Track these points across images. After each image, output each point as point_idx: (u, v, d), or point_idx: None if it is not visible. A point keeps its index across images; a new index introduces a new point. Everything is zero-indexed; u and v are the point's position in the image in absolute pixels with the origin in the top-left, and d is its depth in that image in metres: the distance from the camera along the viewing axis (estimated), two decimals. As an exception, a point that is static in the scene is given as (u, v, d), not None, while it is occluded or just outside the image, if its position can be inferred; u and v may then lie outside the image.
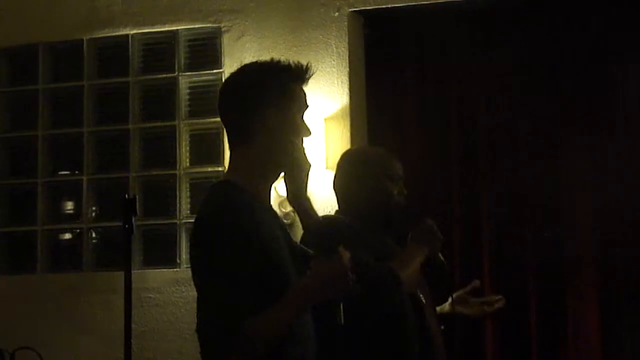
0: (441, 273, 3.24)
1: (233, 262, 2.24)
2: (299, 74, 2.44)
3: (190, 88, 5.35)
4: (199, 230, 2.33)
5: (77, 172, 5.50)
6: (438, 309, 3.34)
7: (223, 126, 2.49)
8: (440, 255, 3.19)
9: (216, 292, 2.24)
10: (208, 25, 5.30)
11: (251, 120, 2.40)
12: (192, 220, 2.92)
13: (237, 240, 2.25)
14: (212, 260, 2.25)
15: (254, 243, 2.27)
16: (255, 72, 2.46)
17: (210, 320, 2.24)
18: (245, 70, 2.49)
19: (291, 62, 2.44)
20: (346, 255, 2.27)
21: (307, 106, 2.47)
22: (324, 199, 4.62)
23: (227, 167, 2.50)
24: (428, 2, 4.97)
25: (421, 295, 3.15)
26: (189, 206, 5.23)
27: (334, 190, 3.27)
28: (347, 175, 3.22)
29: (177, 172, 5.29)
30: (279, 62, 2.45)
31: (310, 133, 2.46)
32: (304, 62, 2.45)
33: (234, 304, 2.22)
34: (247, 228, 2.27)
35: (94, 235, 5.44)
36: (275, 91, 2.41)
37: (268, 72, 2.44)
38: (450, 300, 3.36)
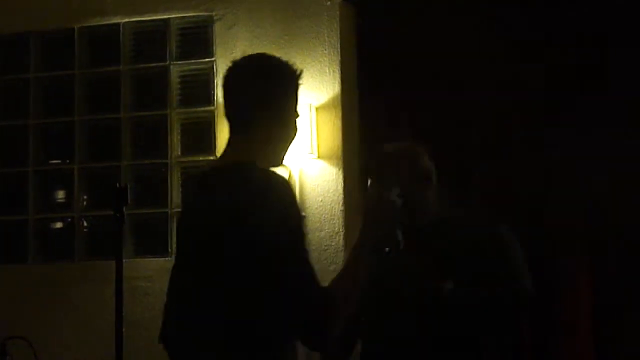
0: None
1: (304, 234, 2.33)
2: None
3: (181, 77, 5.34)
4: (268, 207, 2.29)
5: (68, 161, 5.49)
6: None
7: (227, 110, 2.48)
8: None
9: (304, 258, 2.27)
10: (200, 13, 5.29)
11: (269, 110, 2.43)
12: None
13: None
14: (295, 235, 2.28)
15: None
16: (280, 66, 2.48)
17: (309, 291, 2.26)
18: (271, 62, 2.50)
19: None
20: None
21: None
22: (313, 187, 4.64)
23: (235, 149, 2.45)
24: (420, -9, 4.98)
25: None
26: (180, 195, 5.22)
27: None
28: None
29: (168, 161, 5.28)
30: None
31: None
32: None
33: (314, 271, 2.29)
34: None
35: (85, 224, 5.44)
36: (293, 86, 2.48)
37: (288, 67, 2.48)
38: None
